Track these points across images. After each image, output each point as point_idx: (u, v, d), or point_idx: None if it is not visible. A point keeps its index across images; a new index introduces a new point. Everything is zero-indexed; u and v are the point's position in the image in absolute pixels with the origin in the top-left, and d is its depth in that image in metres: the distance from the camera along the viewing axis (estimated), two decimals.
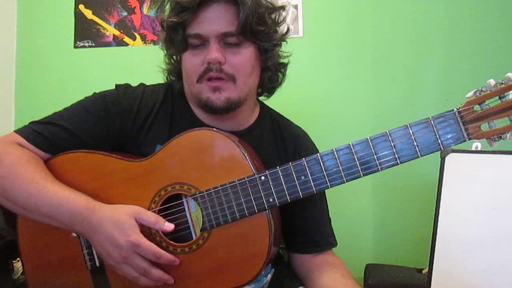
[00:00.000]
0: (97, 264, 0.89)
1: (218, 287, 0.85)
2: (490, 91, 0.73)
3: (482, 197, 1.08)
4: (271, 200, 0.82)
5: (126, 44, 1.89)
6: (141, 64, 1.68)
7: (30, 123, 0.96)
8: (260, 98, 1.10)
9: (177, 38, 0.93)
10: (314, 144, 1.10)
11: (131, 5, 1.89)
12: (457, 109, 0.74)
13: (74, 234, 0.89)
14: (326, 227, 1.06)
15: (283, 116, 1.12)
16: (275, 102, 1.11)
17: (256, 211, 0.82)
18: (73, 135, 0.93)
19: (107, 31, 1.89)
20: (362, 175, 0.79)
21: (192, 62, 0.93)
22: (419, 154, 0.76)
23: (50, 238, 0.91)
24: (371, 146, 0.78)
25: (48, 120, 0.95)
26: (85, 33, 1.90)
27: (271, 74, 1.02)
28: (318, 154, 0.81)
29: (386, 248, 1.72)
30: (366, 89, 1.75)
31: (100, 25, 1.89)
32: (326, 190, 0.98)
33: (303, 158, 0.81)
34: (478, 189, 1.08)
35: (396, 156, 0.77)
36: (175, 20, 0.91)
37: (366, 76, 1.75)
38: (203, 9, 0.90)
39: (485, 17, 1.68)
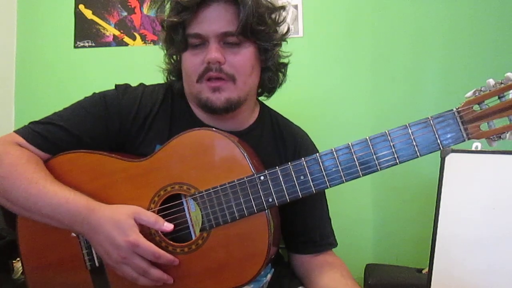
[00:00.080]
0: (97, 264, 0.89)
1: (217, 287, 0.85)
2: (490, 91, 0.73)
3: (482, 197, 1.08)
4: (270, 200, 0.82)
5: (126, 44, 1.89)
6: (141, 64, 1.67)
7: (30, 123, 0.96)
8: (260, 98, 1.10)
9: (177, 37, 0.93)
10: (314, 144, 1.10)
11: (131, 5, 1.89)
12: (457, 109, 0.74)
13: (74, 234, 0.89)
14: (326, 227, 1.06)
15: (283, 116, 1.12)
16: (275, 102, 1.11)
17: (256, 211, 0.82)
18: (73, 135, 0.93)
19: (107, 31, 1.90)
20: (361, 175, 0.78)
21: (192, 61, 0.93)
22: (418, 154, 0.76)
23: (50, 238, 0.91)
24: (370, 146, 0.77)
25: (47, 121, 0.95)
26: (85, 33, 1.90)
27: (271, 74, 1.02)
28: (317, 154, 0.80)
29: (386, 248, 1.72)
30: (366, 89, 1.75)
31: (100, 25, 1.89)
32: (326, 190, 0.98)
33: (302, 158, 0.81)
34: (478, 189, 1.08)
35: (396, 156, 0.76)
36: (175, 19, 0.91)
37: (366, 76, 1.75)
38: (203, 8, 0.90)
39: (485, 17, 1.68)
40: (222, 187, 0.84)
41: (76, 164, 0.92)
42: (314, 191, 0.81)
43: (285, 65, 1.05)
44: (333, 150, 0.79)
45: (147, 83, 1.06)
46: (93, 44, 1.90)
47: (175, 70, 1.03)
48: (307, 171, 0.80)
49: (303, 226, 1.04)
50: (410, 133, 0.76)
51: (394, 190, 1.71)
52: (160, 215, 0.84)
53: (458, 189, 1.09)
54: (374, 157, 0.77)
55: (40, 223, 0.86)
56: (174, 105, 1.02)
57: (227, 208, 0.83)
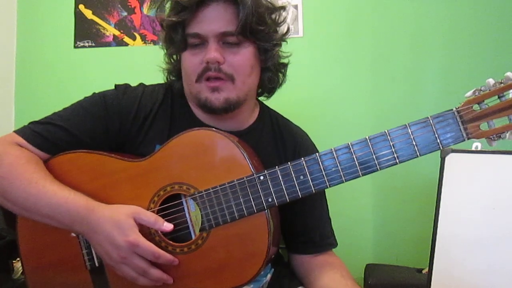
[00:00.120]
0: (97, 264, 0.89)
1: (217, 287, 0.85)
2: (489, 90, 0.73)
3: (482, 197, 1.08)
4: (270, 200, 0.82)
5: (126, 44, 1.89)
6: (141, 64, 1.67)
7: (30, 123, 0.96)
8: (260, 98, 1.10)
9: (176, 37, 0.93)
10: (313, 144, 1.10)
11: (131, 5, 1.89)
12: (456, 108, 0.74)
13: (74, 234, 0.89)
14: (326, 228, 1.06)
15: (282, 116, 1.12)
16: (275, 102, 1.11)
17: (255, 211, 0.82)
18: (72, 135, 0.93)
19: (107, 31, 1.90)
20: (361, 174, 0.78)
21: (191, 61, 0.93)
22: (418, 154, 0.76)
23: (50, 238, 0.91)
24: (370, 146, 0.77)
25: (47, 121, 0.95)
26: (85, 33, 1.90)
27: (271, 74, 1.02)
28: (317, 153, 0.80)
29: (386, 248, 1.72)
30: (366, 89, 1.75)
31: (100, 25, 1.90)
32: (326, 191, 0.99)
33: (302, 158, 0.81)
34: (478, 189, 1.08)
35: (395, 155, 0.76)
36: (174, 19, 0.91)
37: (366, 76, 1.75)
38: (203, 8, 0.90)
39: (485, 17, 1.68)
40: (221, 187, 0.84)
41: (76, 164, 0.92)
42: (314, 191, 0.81)
43: (285, 66, 1.05)
44: (333, 150, 0.79)
45: (147, 83, 1.06)
46: (93, 44, 1.90)
47: (175, 70, 1.03)
48: (306, 171, 0.80)
49: (303, 226, 1.03)
50: (410, 132, 0.76)
51: (394, 190, 1.70)
52: (159, 215, 0.84)
53: (458, 189, 1.09)
54: (374, 156, 0.77)
55: (40, 223, 0.86)
56: (174, 105, 1.02)
57: (226, 208, 0.83)
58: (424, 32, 1.72)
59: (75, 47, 1.90)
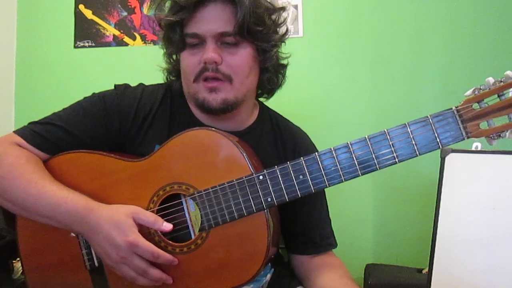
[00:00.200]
0: (96, 264, 0.89)
1: (217, 287, 0.84)
2: (489, 89, 0.72)
3: (482, 197, 1.07)
4: (269, 199, 0.82)
5: (126, 44, 1.89)
6: (141, 64, 1.67)
7: (29, 123, 0.96)
8: (260, 99, 1.10)
9: (174, 37, 0.93)
10: (313, 144, 1.10)
11: (131, 5, 1.89)
12: (456, 107, 0.74)
13: (73, 234, 0.89)
14: (326, 228, 1.06)
15: (282, 116, 1.12)
16: (275, 102, 1.11)
17: (255, 211, 0.82)
18: (72, 135, 0.93)
19: (107, 31, 1.90)
20: (360, 174, 0.78)
21: (189, 61, 0.93)
22: (417, 153, 0.76)
23: (49, 238, 0.91)
24: (370, 145, 0.77)
25: (47, 121, 0.95)
26: (85, 33, 1.90)
27: (270, 75, 1.01)
28: (316, 153, 0.80)
29: (386, 248, 1.72)
30: (366, 89, 1.75)
31: (100, 25, 1.90)
32: (326, 191, 0.99)
33: (301, 158, 0.81)
34: (478, 189, 1.08)
35: (395, 155, 0.76)
36: (172, 19, 0.91)
37: (366, 76, 1.75)
38: (201, 8, 0.89)
39: (485, 17, 1.68)
40: (221, 187, 0.83)
41: (76, 164, 0.92)
42: (313, 191, 0.81)
43: (284, 67, 1.05)
44: (332, 149, 0.79)
45: (147, 83, 1.06)
46: (93, 44, 1.90)
47: (174, 70, 1.03)
48: (306, 170, 0.80)
49: (303, 227, 1.03)
50: (409, 132, 0.76)
51: (394, 190, 1.70)
52: (159, 215, 0.84)
53: (458, 189, 1.09)
54: (373, 156, 0.77)
55: (39, 223, 0.86)
56: (174, 105, 1.02)
57: (226, 208, 0.83)
58: (424, 32, 1.72)
59: (75, 47, 1.91)
